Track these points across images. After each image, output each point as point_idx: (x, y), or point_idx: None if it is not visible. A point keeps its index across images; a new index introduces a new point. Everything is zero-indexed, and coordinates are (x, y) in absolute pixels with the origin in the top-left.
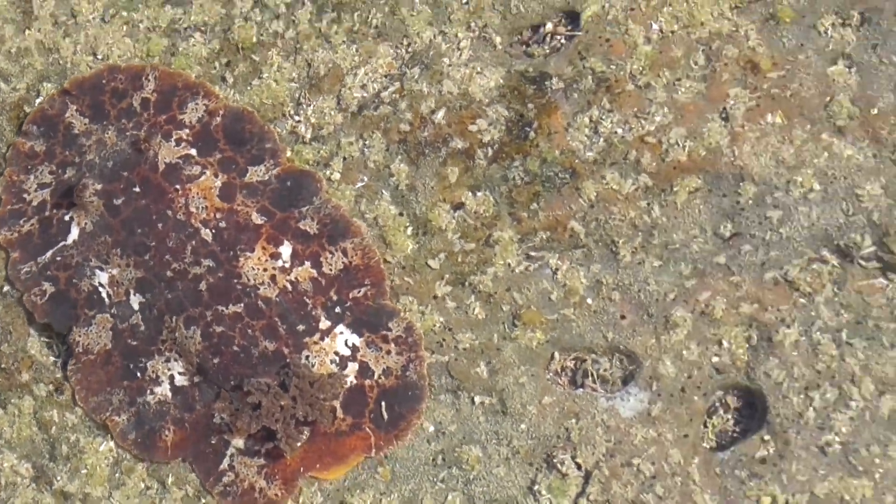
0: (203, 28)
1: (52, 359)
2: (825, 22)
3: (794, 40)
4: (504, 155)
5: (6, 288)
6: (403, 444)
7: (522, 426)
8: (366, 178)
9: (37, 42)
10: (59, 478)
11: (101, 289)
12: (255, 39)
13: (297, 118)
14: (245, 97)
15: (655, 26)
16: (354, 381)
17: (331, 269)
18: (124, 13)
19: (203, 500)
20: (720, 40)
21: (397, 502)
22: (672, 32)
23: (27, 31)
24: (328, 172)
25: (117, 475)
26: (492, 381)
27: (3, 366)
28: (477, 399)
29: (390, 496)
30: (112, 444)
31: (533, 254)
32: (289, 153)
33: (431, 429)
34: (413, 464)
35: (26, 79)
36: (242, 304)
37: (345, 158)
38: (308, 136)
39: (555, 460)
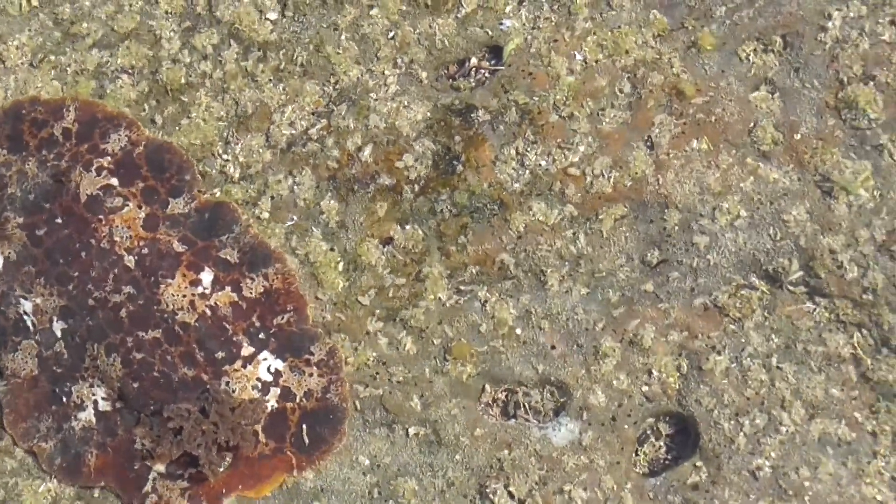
0: (130, 70)
1: None
2: (747, 48)
3: (715, 67)
4: (431, 189)
5: None
6: (324, 465)
7: (457, 457)
8: (295, 217)
9: None
10: None
11: (25, 317)
12: (183, 80)
13: (225, 157)
14: (174, 138)
15: (579, 56)
16: (276, 405)
17: (251, 293)
18: (52, 57)
19: None
20: (645, 67)
21: None
22: (596, 62)
23: None
24: (256, 211)
25: None
26: (425, 414)
27: None
28: (411, 430)
29: None
30: (51, 484)
31: (462, 288)
32: (217, 193)
33: (367, 462)
34: (349, 497)
35: None
36: (161, 330)
37: (272, 197)
38: (237, 175)
39: (487, 490)
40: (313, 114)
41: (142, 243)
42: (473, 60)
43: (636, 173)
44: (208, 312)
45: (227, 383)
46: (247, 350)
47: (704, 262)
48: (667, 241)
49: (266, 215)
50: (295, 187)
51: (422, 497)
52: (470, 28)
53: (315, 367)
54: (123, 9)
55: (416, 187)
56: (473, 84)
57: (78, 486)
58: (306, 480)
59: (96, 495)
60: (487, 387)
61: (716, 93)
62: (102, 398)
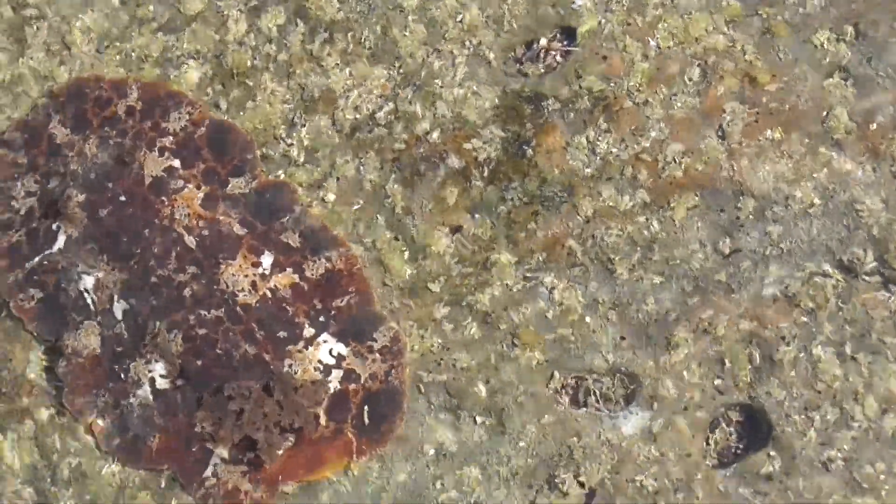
0: (196, 55)
1: (52, 384)
2: (820, 36)
3: (790, 54)
4: (501, 175)
5: (4, 313)
6: (384, 449)
7: (521, 444)
8: (361, 201)
9: (31, 70)
10: (62, 502)
11: (86, 294)
12: (249, 64)
13: (289, 141)
14: (238, 122)
15: (653, 42)
16: (338, 387)
17: (313, 275)
18: (118, 43)
19: None
20: (716, 55)
21: None
22: (668, 48)
23: (20, 60)
24: (321, 194)
25: (121, 502)
26: (491, 401)
27: (3, 391)
28: (478, 418)
29: None
30: (115, 467)
31: (529, 275)
32: (281, 175)
33: (432, 451)
34: (415, 486)
35: (20, 108)
36: (223, 310)
37: (338, 179)
38: (301, 158)
39: (556, 480)
40: (380, 97)
41: (201, 223)
42: (543, 42)
43: (707, 160)
44: (269, 294)
45: (290, 365)
46: (308, 332)
47: (777, 250)
48: (739, 230)
49: (332, 197)
50: (361, 168)
51: (486, 486)
52: (541, 8)
53: (378, 352)
54: None
55: (486, 170)
56: (543, 69)
57: (140, 469)
58: (372, 470)
59: (163, 485)
60: (556, 374)
61: (790, 80)
62: (161, 375)
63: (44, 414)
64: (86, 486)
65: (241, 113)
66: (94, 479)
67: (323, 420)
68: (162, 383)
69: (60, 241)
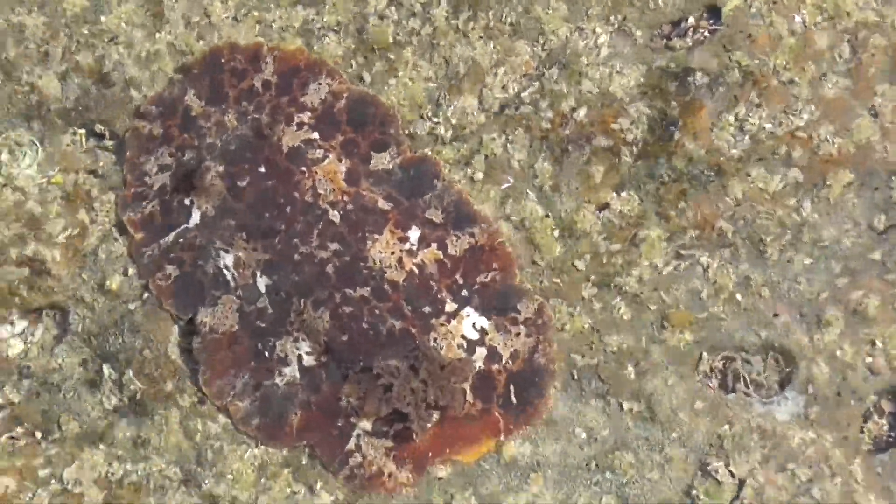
0: (337, 28)
1: (190, 365)
2: None
3: None
4: (648, 154)
5: (146, 295)
6: (533, 428)
7: (674, 435)
8: (511, 180)
9: (168, 45)
10: (206, 481)
11: (225, 271)
12: (390, 39)
13: (435, 120)
14: (383, 97)
15: (798, 18)
16: (482, 366)
17: (456, 252)
18: (256, 13)
19: None
20: (867, 30)
21: (552, 503)
22: (815, 25)
23: (157, 35)
24: (470, 172)
25: (263, 480)
26: (640, 383)
27: (146, 372)
28: (626, 405)
29: (544, 498)
30: (257, 450)
31: (683, 252)
32: (428, 152)
33: (583, 434)
34: (566, 468)
35: (157, 84)
36: (369, 288)
37: (486, 156)
38: (448, 136)
39: (709, 468)
40: (524, 76)
41: (346, 199)
42: (691, 20)
43: (860, 140)
44: (416, 270)
45: (436, 339)
46: (450, 306)
47: None
48: (894, 209)
49: (480, 176)
50: (509, 146)
51: (639, 470)
52: None
53: (522, 326)
54: None
55: (635, 149)
56: (690, 44)
57: (281, 448)
58: (523, 456)
59: (304, 462)
60: (705, 355)
61: None
62: (307, 353)
63: (186, 401)
64: (228, 465)
65: (386, 88)
66: (236, 460)
67: (470, 398)
68: (308, 360)
69: (196, 216)
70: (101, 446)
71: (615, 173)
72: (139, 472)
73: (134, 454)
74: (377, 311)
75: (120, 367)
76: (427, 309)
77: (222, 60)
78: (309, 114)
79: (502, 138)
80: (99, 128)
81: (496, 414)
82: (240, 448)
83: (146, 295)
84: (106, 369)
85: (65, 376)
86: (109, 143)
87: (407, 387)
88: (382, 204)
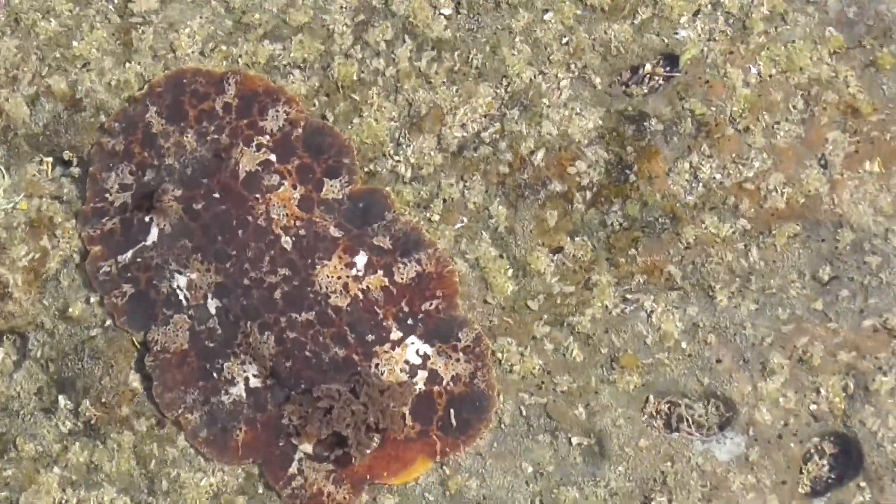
0: (302, 65)
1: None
2: None
3: (895, 87)
4: (603, 198)
5: (108, 322)
6: (469, 451)
7: (620, 468)
8: (465, 219)
9: (136, 75)
10: None
11: (179, 291)
12: (355, 77)
13: (396, 158)
14: (345, 136)
15: (754, 70)
16: (423, 388)
17: (402, 279)
18: (223, 47)
19: None
20: (819, 86)
21: None
22: (770, 77)
23: (127, 64)
24: (427, 214)
25: None
26: (590, 423)
27: (103, 400)
28: (574, 440)
29: None
30: (213, 478)
31: (629, 296)
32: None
33: (530, 469)
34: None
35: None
36: (314, 312)
37: (444, 200)
38: (408, 175)
39: (652, 503)
40: (485, 116)
41: (298, 223)
42: (648, 67)
43: (809, 191)
44: (360, 296)
45: (377, 365)
46: (395, 334)
47: (877, 280)
48: (838, 259)
49: (437, 217)
50: (466, 191)
51: None
52: (646, 35)
53: (462, 353)
54: (296, 2)
55: (588, 194)
56: (647, 90)
57: (228, 464)
58: (469, 489)
59: (260, 491)
60: (651, 398)
61: (893, 111)
62: (254, 375)
63: (143, 424)
64: (182, 496)
65: (349, 127)
66: (191, 488)
67: (409, 421)
68: (254, 382)
69: (153, 233)
70: (56, 469)
71: (568, 220)
72: (92, 501)
73: (87, 479)
74: (321, 338)
75: (77, 395)
76: (370, 336)
77: (185, 80)
78: (268, 137)
79: (460, 184)
80: (67, 154)
81: (434, 436)
82: (196, 475)
83: (108, 322)
84: (62, 400)
85: (23, 403)
86: (76, 171)
87: (347, 409)
88: (334, 231)
